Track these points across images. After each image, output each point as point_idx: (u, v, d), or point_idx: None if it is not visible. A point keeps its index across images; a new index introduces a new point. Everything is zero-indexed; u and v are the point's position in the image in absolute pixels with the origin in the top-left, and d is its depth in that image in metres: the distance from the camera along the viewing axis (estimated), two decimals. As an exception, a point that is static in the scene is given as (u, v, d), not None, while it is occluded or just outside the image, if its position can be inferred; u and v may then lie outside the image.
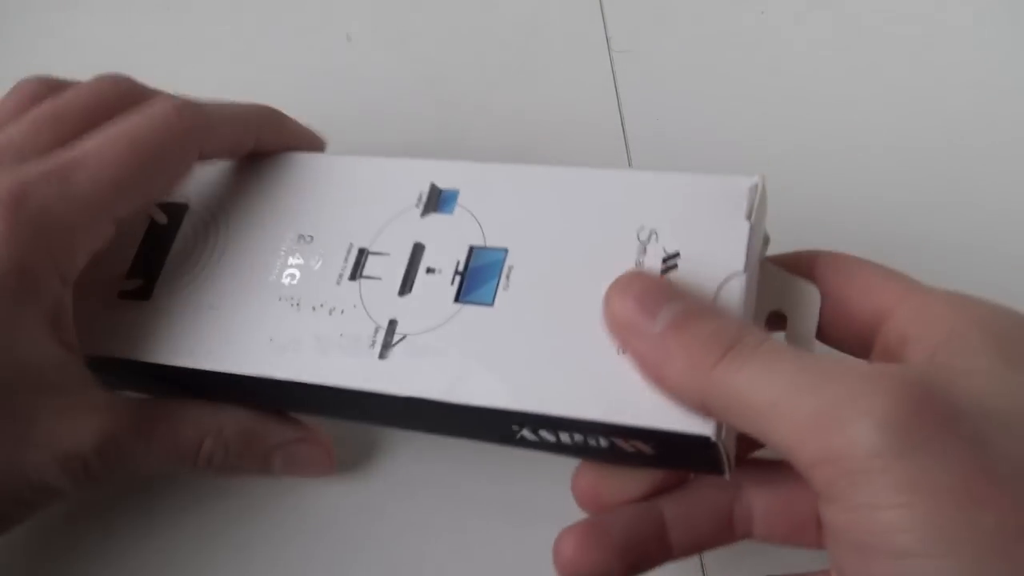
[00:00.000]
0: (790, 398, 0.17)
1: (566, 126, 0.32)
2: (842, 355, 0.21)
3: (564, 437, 0.20)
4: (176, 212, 0.26)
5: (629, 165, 0.31)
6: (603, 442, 0.20)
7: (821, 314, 0.21)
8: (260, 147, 0.26)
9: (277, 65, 0.34)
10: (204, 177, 0.26)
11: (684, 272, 0.20)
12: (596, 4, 0.34)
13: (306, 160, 0.26)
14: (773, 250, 0.22)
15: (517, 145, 0.31)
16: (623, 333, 0.19)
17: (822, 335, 0.22)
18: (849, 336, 0.21)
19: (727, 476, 0.20)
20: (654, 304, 0.19)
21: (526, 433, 0.21)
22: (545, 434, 0.21)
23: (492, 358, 0.20)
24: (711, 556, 0.27)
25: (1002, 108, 0.31)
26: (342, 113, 0.32)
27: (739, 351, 0.18)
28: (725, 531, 0.22)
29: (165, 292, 0.24)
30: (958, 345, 0.18)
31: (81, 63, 0.29)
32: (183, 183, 0.24)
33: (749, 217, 0.21)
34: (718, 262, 0.20)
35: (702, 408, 0.18)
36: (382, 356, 0.21)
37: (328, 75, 0.33)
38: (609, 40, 0.33)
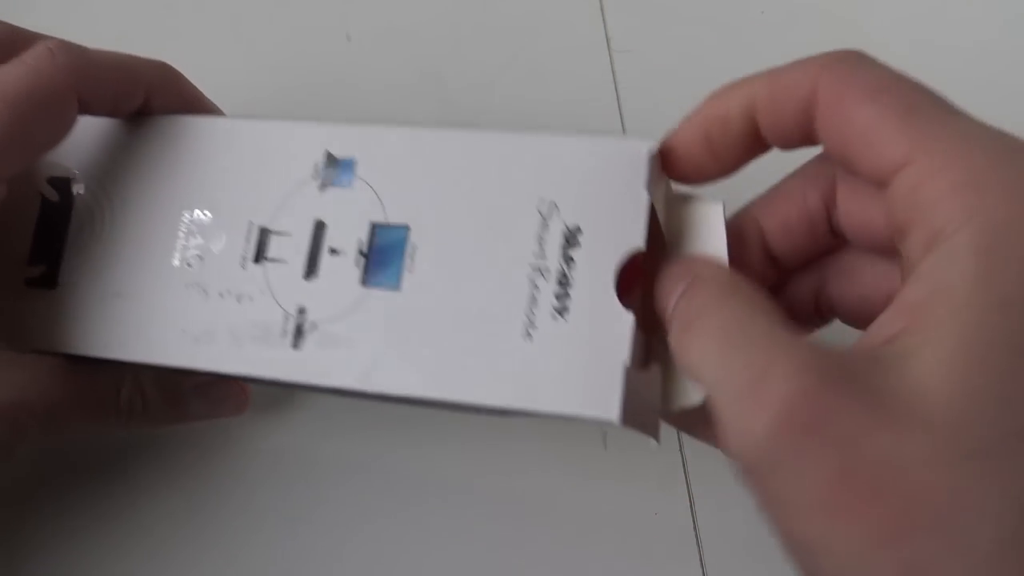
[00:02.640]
0: (716, 384, 0.17)
1: (566, 126, 0.32)
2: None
3: (483, 410, 0.21)
4: (66, 187, 0.24)
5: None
6: (518, 414, 0.20)
7: (836, 190, 0.20)
8: (151, 106, 0.24)
9: (277, 65, 0.34)
10: (90, 144, 0.24)
11: (586, 249, 0.20)
12: (596, 4, 0.34)
13: (195, 124, 0.24)
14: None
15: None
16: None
17: (840, 221, 0.20)
18: (864, 217, 0.20)
19: (656, 443, 0.20)
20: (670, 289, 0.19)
21: (447, 406, 0.21)
22: (465, 407, 0.21)
23: (402, 345, 0.21)
24: (711, 556, 0.27)
25: (1004, 112, 0.31)
26: (342, 113, 0.32)
27: (696, 321, 0.18)
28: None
29: (70, 280, 0.24)
30: (941, 262, 0.16)
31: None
32: (66, 135, 0.23)
33: (648, 188, 0.20)
34: (620, 237, 0.20)
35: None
36: (295, 346, 0.21)
37: (328, 75, 0.33)
38: (609, 40, 0.33)
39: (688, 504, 0.27)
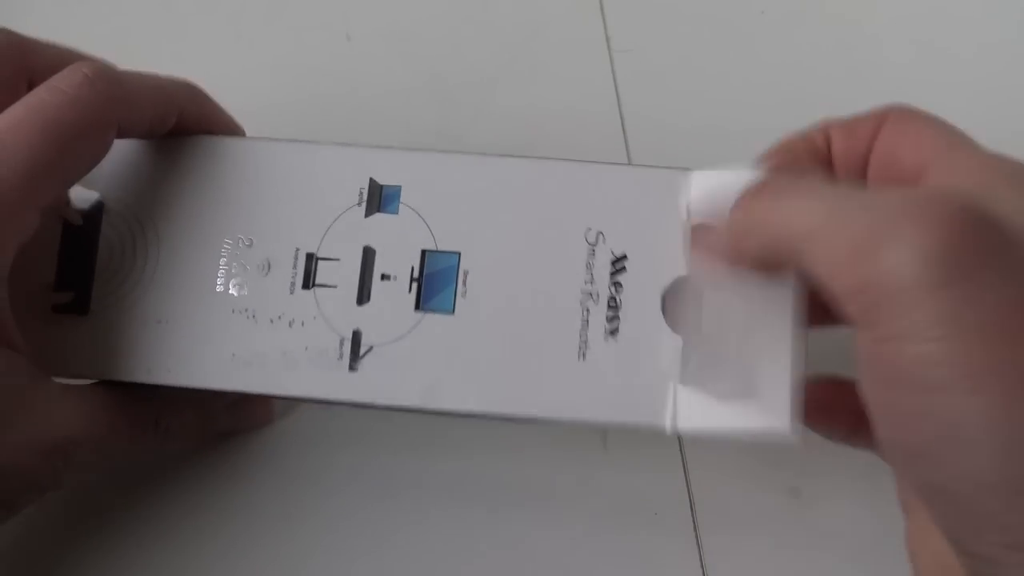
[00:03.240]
0: (828, 226, 0.16)
1: (566, 126, 0.32)
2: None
3: (536, 422, 0.22)
4: (91, 211, 0.24)
5: (629, 164, 0.31)
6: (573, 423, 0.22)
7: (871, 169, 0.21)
8: (181, 126, 0.24)
9: (277, 65, 0.34)
10: (117, 166, 0.24)
11: (632, 275, 0.22)
12: (596, 4, 0.34)
13: (230, 146, 0.24)
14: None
15: (517, 145, 0.31)
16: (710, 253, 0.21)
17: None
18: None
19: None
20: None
21: (503, 418, 0.22)
22: (520, 420, 0.22)
23: (462, 365, 0.22)
24: (711, 556, 0.27)
25: (1003, 112, 0.31)
26: (342, 113, 0.32)
27: (776, 186, 0.18)
28: None
29: (103, 306, 0.23)
30: (989, 194, 0.16)
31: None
32: (100, 160, 0.22)
33: (687, 215, 0.22)
34: (663, 264, 0.22)
35: (757, 255, 0.19)
36: (352, 368, 0.22)
37: (328, 75, 0.33)
38: (609, 40, 0.33)
39: (688, 504, 0.27)
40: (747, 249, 0.19)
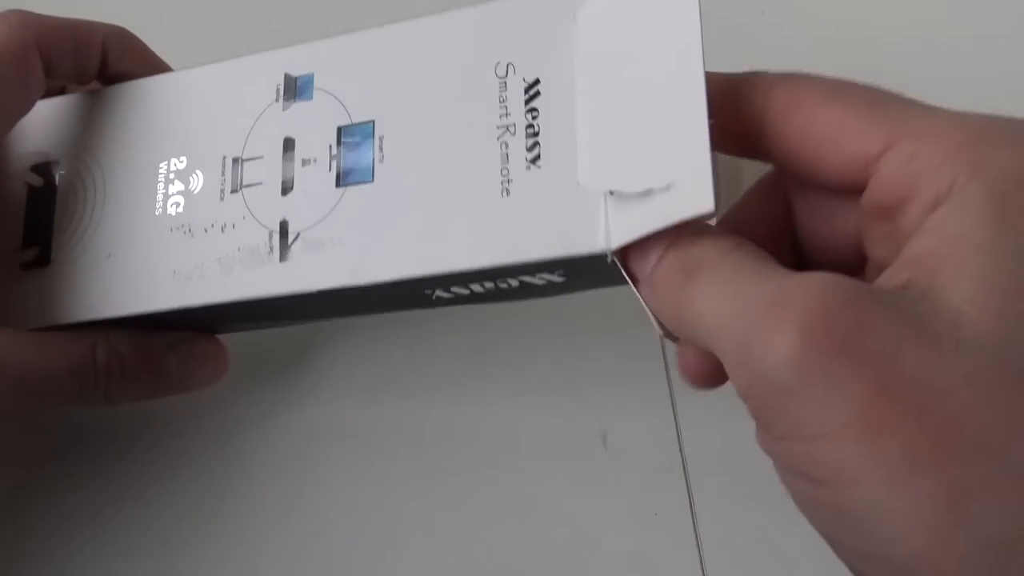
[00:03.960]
0: (724, 326, 0.16)
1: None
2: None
3: (476, 287, 0.21)
4: (47, 171, 0.25)
5: None
6: (513, 283, 0.21)
7: (789, 175, 0.19)
8: (112, 71, 0.25)
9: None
10: (63, 124, 0.25)
11: (547, 97, 0.20)
12: (596, 4, 0.34)
13: (158, 82, 0.25)
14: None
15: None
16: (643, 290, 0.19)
17: (803, 239, 0.20)
18: (828, 208, 0.19)
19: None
20: (647, 250, 0.18)
21: (440, 293, 0.22)
22: (457, 289, 0.22)
23: (386, 232, 0.21)
24: (711, 556, 0.27)
25: (1005, 108, 0.31)
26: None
27: (698, 271, 0.17)
28: None
29: (62, 253, 0.24)
30: (952, 213, 0.15)
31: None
32: (37, 96, 0.24)
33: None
34: (577, 80, 0.20)
35: (688, 339, 0.18)
36: (282, 259, 0.22)
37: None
38: (609, 40, 0.33)
39: (688, 504, 0.27)
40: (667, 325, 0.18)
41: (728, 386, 0.18)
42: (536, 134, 0.20)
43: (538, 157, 0.20)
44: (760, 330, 0.15)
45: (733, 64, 0.33)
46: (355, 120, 0.22)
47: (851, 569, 0.16)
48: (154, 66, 0.26)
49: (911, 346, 0.14)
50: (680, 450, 0.28)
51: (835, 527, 0.15)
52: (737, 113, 0.19)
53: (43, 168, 0.25)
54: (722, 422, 0.23)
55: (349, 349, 0.29)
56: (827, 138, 0.17)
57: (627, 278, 0.19)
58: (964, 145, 0.16)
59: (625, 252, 0.19)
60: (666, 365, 0.29)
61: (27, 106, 0.24)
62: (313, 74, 0.23)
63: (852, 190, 0.18)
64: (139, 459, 0.28)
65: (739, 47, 0.33)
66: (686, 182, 0.17)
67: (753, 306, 0.15)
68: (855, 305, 0.14)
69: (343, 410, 0.29)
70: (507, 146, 0.21)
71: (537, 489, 0.28)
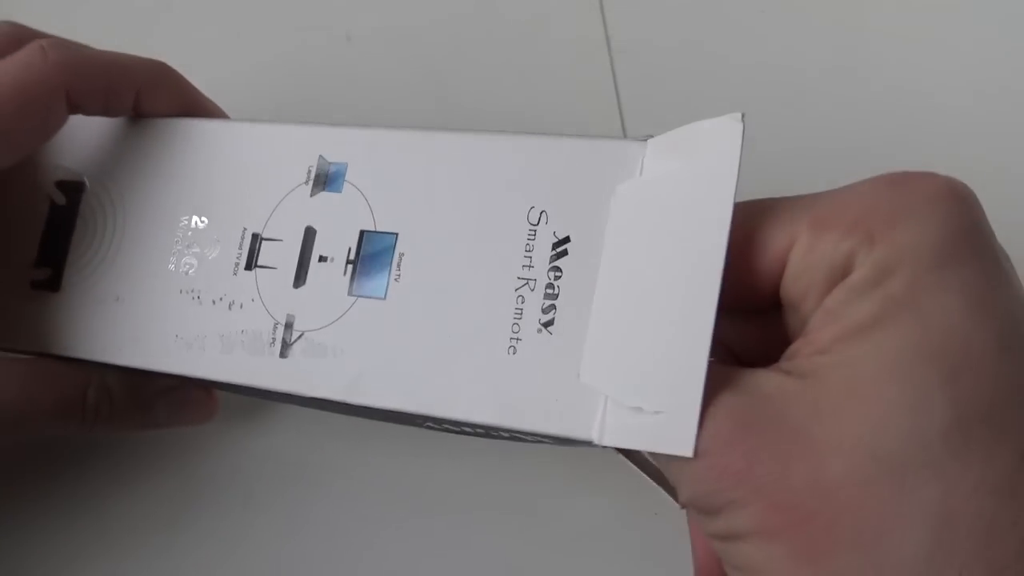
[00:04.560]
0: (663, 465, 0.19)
1: (566, 126, 0.32)
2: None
3: (467, 428, 0.21)
4: (73, 191, 0.25)
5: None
6: (504, 433, 0.20)
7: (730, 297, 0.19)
8: (148, 106, 0.24)
9: (277, 65, 0.34)
10: (97, 147, 0.25)
11: (573, 259, 0.19)
12: (596, 4, 0.34)
13: (194, 126, 0.24)
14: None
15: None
16: None
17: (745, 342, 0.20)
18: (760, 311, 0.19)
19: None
20: None
21: (432, 424, 0.21)
22: (449, 426, 0.21)
23: (389, 357, 0.20)
24: (711, 556, 0.27)
25: (1004, 112, 0.31)
26: (342, 113, 0.32)
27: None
28: None
29: (72, 282, 0.24)
30: (841, 297, 0.17)
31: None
32: (55, 132, 0.23)
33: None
34: (600, 251, 0.19)
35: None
36: (283, 355, 0.21)
37: (328, 75, 0.33)
38: (609, 40, 0.33)
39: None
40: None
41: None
42: (555, 296, 0.19)
43: (551, 322, 0.19)
44: (678, 464, 0.17)
45: (734, 63, 0.33)
46: (379, 228, 0.21)
47: None
48: (195, 103, 0.26)
49: (795, 464, 0.16)
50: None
51: None
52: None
53: (69, 187, 0.25)
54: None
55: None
56: (764, 237, 0.18)
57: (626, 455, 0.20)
58: (850, 230, 0.17)
59: None
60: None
61: (41, 140, 0.23)
62: (347, 164, 0.22)
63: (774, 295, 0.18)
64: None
65: (739, 46, 0.33)
66: (673, 418, 0.17)
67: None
68: (744, 443, 0.16)
69: (333, 422, 0.29)
70: (523, 301, 0.20)
71: (537, 489, 0.28)
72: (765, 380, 0.17)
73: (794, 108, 0.32)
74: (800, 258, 0.17)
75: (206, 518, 0.28)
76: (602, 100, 0.32)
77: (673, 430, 0.17)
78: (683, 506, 0.18)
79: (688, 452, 0.17)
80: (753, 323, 0.20)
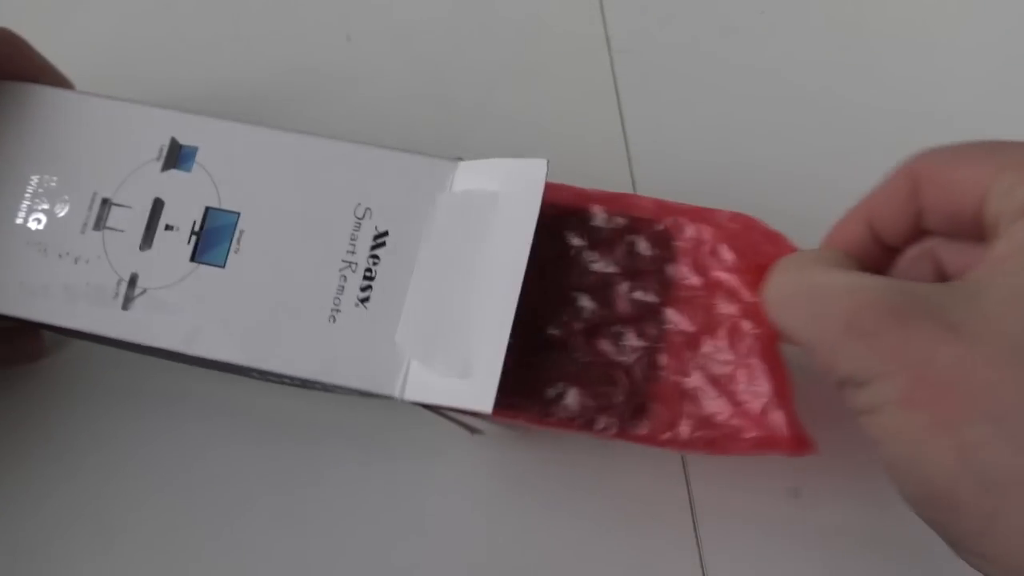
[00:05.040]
0: (810, 342, 0.20)
1: (566, 126, 0.32)
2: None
3: (286, 380, 0.24)
4: None
5: (629, 164, 0.31)
6: (318, 386, 0.23)
7: (927, 217, 0.21)
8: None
9: (276, 64, 0.34)
10: None
11: (390, 250, 0.23)
12: (596, 4, 0.34)
13: (48, 94, 0.26)
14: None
15: (517, 145, 0.31)
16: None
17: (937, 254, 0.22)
18: (963, 235, 0.21)
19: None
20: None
21: (256, 375, 0.24)
22: (272, 378, 0.24)
23: (223, 316, 0.23)
24: (711, 556, 0.27)
25: (1004, 111, 0.31)
26: (342, 113, 0.32)
27: (780, 305, 0.22)
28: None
29: None
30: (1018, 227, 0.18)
31: (78, 61, 0.29)
32: None
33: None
34: (419, 245, 0.23)
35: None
36: (125, 307, 0.24)
37: (328, 75, 0.33)
38: (609, 40, 0.33)
39: (688, 504, 0.27)
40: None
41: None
42: (372, 279, 0.23)
43: (368, 299, 0.23)
44: (827, 335, 0.19)
45: (734, 63, 0.33)
46: (223, 207, 0.24)
47: (918, 516, 0.19)
48: (47, 72, 0.27)
49: (944, 347, 0.18)
50: (682, 455, 0.28)
51: (894, 479, 0.19)
52: (900, 208, 0.22)
53: None
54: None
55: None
56: (962, 175, 0.20)
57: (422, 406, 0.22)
58: None
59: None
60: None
61: None
62: (198, 148, 0.25)
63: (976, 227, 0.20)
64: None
65: (739, 46, 0.33)
66: (477, 381, 0.21)
67: (822, 322, 0.19)
68: (901, 329, 0.18)
69: (331, 422, 0.29)
70: (345, 279, 0.23)
71: (536, 490, 0.28)
72: (932, 288, 0.19)
73: (794, 108, 0.32)
74: (1000, 195, 0.19)
75: (205, 518, 0.28)
76: (602, 100, 0.32)
77: (477, 390, 0.21)
78: (838, 386, 0.19)
79: (487, 409, 0.21)
80: (968, 254, 0.22)
